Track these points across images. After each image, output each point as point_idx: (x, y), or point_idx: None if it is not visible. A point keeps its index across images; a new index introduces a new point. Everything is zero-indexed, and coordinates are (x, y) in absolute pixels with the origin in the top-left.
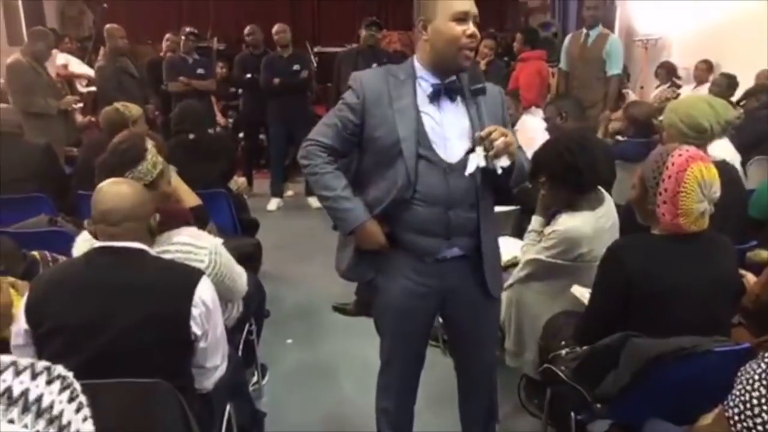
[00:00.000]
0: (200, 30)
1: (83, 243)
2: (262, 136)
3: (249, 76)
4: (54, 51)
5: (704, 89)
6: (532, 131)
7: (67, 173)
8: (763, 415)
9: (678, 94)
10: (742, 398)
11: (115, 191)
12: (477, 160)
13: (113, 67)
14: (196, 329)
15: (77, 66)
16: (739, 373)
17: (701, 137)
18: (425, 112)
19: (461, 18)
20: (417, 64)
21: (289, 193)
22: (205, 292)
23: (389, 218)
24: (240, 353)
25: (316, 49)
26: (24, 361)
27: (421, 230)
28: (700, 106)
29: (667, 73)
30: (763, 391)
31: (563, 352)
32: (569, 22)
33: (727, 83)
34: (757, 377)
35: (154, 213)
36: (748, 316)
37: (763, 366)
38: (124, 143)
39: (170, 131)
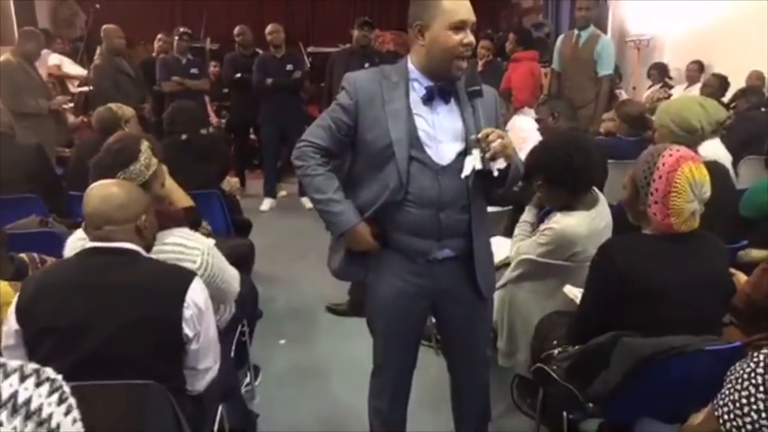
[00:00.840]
0: (193, 30)
1: (75, 242)
2: (252, 137)
3: (239, 75)
4: (45, 51)
5: (696, 89)
6: (524, 131)
7: (58, 174)
8: (752, 414)
9: (670, 95)
10: (731, 397)
11: (99, 194)
12: (473, 163)
13: (110, 66)
14: (187, 331)
15: (69, 66)
16: (728, 372)
17: (692, 137)
18: (418, 114)
19: (459, 27)
20: (411, 66)
21: (283, 193)
22: (197, 293)
23: (381, 219)
24: (232, 354)
25: (309, 49)
26: (13, 364)
27: (412, 231)
28: (691, 107)
29: (659, 73)
30: (752, 390)
31: (555, 351)
32: (562, 23)
33: (719, 84)
34: (746, 376)
35: (144, 214)
36: (739, 316)
37: (752, 365)
38: (118, 143)
39: (163, 131)
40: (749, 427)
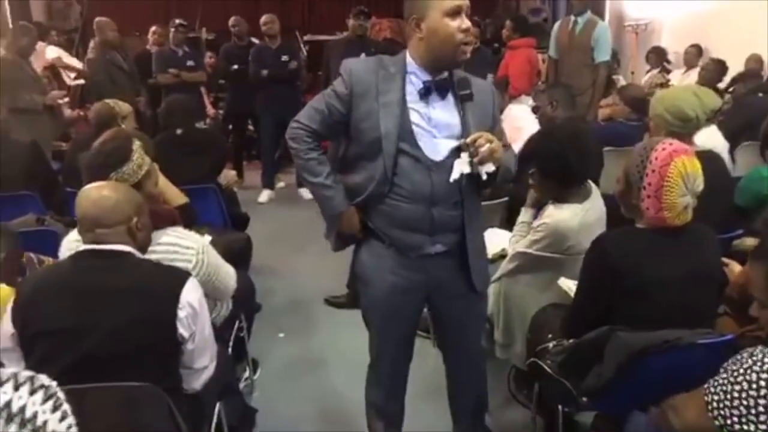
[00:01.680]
0: (189, 20)
1: (71, 243)
2: (250, 127)
3: (235, 67)
4: (41, 44)
5: (694, 73)
6: (519, 120)
7: (55, 169)
8: (741, 408)
9: (668, 79)
10: (724, 387)
11: (91, 197)
12: (462, 167)
13: (104, 59)
14: (183, 331)
15: (68, 58)
16: (727, 362)
17: (687, 126)
18: (414, 108)
19: (455, 12)
20: (409, 59)
21: (281, 184)
22: (191, 293)
23: (370, 211)
24: (230, 350)
25: (306, 38)
26: (7, 372)
27: (404, 226)
28: (685, 96)
29: (658, 57)
30: (745, 386)
31: (550, 345)
32: (560, 8)
33: (716, 68)
34: (742, 371)
35: (136, 216)
36: (733, 306)
37: (750, 362)
38: (110, 143)
39: (158, 125)
40: (735, 419)
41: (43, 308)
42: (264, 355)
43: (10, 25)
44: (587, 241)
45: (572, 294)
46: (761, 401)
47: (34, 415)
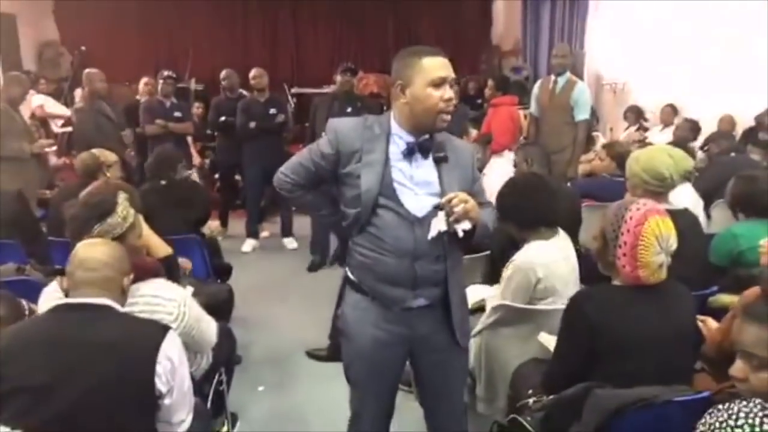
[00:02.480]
0: (178, 71)
1: (51, 294)
2: (237, 177)
3: (224, 119)
4: (30, 92)
5: (670, 131)
6: (501, 175)
7: (38, 217)
8: None
9: (646, 136)
10: None
11: (85, 258)
12: (439, 225)
13: (91, 109)
14: (160, 386)
15: (53, 106)
16: (706, 415)
17: (662, 185)
18: (397, 167)
19: (439, 83)
20: (393, 122)
21: (265, 234)
22: (170, 348)
23: (355, 266)
24: (209, 403)
25: (293, 90)
26: None
27: (387, 280)
28: (660, 157)
29: (635, 115)
30: None
31: (530, 401)
32: (540, 66)
33: (689, 128)
34: (718, 425)
35: (127, 276)
36: (710, 364)
37: (725, 416)
38: (95, 196)
39: (145, 175)
40: None
41: (19, 364)
42: (243, 408)
43: (1, 74)
44: (556, 278)
45: (552, 349)
46: None
47: None
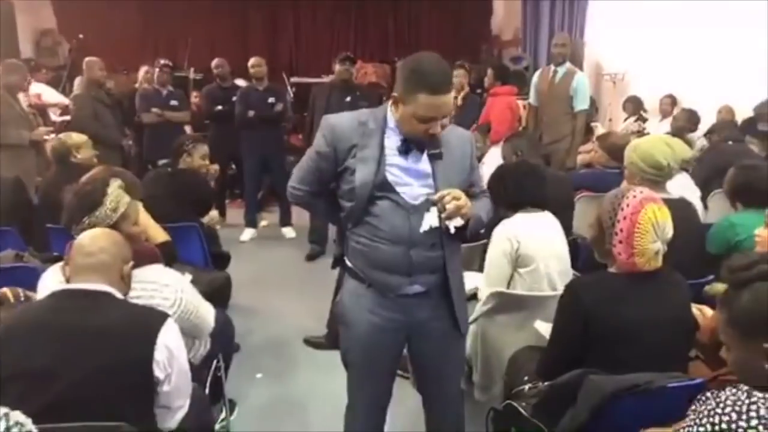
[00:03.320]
0: (177, 60)
1: (49, 281)
2: (233, 167)
3: (219, 108)
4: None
5: (669, 122)
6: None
7: (36, 205)
8: None
9: (644, 127)
10: (690, 430)
11: (87, 249)
12: (431, 220)
13: (89, 96)
14: (158, 373)
15: (51, 95)
16: (693, 404)
17: (660, 174)
18: (392, 161)
19: (426, 120)
20: (390, 116)
21: (264, 223)
22: (168, 336)
23: (352, 253)
24: (207, 391)
25: (293, 80)
26: None
27: (383, 267)
28: (658, 146)
29: (634, 106)
30: (709, 428)
31: (526, 387)
32: (540, 56)
33: (687, 118)
34: (706, 413)
35: (127, 264)
36: (704, 351)
37: (713, 404)
38: (84, 187)
39: (143, 162)
40: None
41: (17, 350)
42: (241, 396)
43: None
44: (539, 251)
45: (547, 337)
46: None
47: None
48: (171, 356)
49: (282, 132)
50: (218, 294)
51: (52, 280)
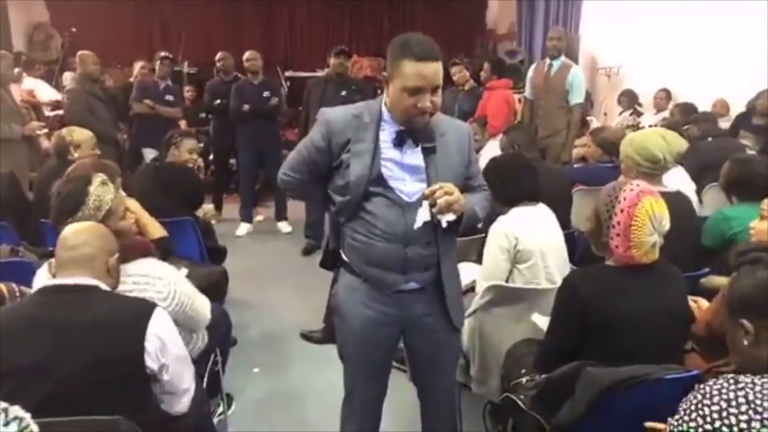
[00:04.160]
0: (171, 54)
1: (43, 277)
2: (232, 161)
3: (219, 102)
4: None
5: (663, 116)
6: None
7: (30, 200)
8: None
9: (639, 122)
10: (681, 427)
11: (69, 242)
12: (424, 215)
13: (83, 90)
14: (151, 364)
15: (44, 91)
16: (685, 399)
17: (655, 167)
18: (387, 154)
19: (415, 92)
20: (384, 108)
21: (259, 218)
22: (158, 325)
23: (347, 248)
24: (205, 384)
25: (288, 74)
26: None
27: (378, 264)
28: (653, 139)
29: (629, 100)
30: (700, 422)
31: (523, 380)
32: (535, 50)
33: (681, 112)
34: (693, 407)
35: (113, 255)
36: (700, 343)
37: (699, 396)
38: (65, 187)
39: (136, 156)
40: None
41: (7, 347)
42: (238, 390)
43: None
44: (534, 240)
45: (545, 329)
46: None
47: None
48: (163, 346)
49: (277, 126)
50: (215, 288)
51: (43, 276)
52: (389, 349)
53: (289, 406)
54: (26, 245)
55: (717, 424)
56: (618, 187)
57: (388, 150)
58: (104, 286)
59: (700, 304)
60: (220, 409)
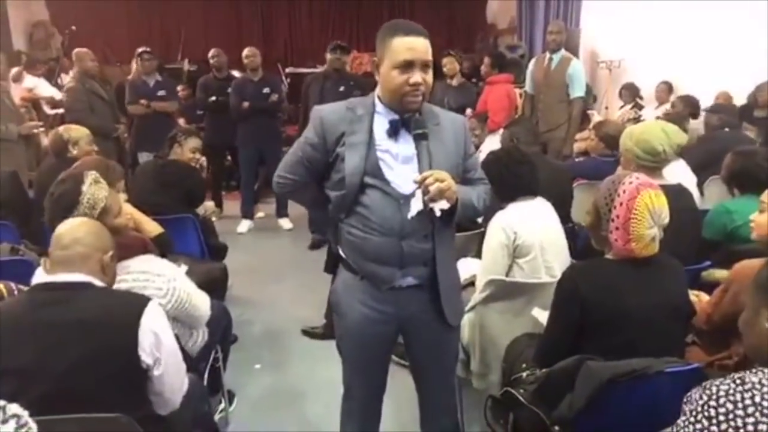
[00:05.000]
0: (171, 51)
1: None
2: (229, 158)
3: (213, 99)
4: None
5: (665, 109)
6: None
7: (31, 199)
8: None
9: (640, 115)
10: (686, 429)
11: (64, 239)
12: (417, 204)
13: (83, 88)
14: (146, 358)
15: (45, 89)
16: (684, 399)
17: (656, 160)
18: (382, 146)
19: (405, 66)
20: (377, 100)
21: (260, 214)
22: (152, 319)
23: (344, 244)
24: (205, 381)
25: (287, 70)
26: None
27: (375, 259)
28: (653, 132)
29: (630, 93)
30: (706, 423)
31: (524, 374)
32: (536, 45)
33: (683, 105)
34: (699, 408)
35: (108, 252)
36: (701, 336)
37: (705, 398)
38: (58, 187)
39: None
40: None
41: (2, 347)
42: (240, 386)
43: None
44: (533, 235)
45: (545, 323)
46: None
47: None
48: (158, 340)
49: (278, 123)
50: (215, 285)
51: (40, 275)
52: (386, 347)
53: (290, 402)
54: (27, 244)
55: (723, 426)
56: (617, 180)
57: (383, 141)
58: (99, 283)
59: (701, 298)
60: (222, 406)
